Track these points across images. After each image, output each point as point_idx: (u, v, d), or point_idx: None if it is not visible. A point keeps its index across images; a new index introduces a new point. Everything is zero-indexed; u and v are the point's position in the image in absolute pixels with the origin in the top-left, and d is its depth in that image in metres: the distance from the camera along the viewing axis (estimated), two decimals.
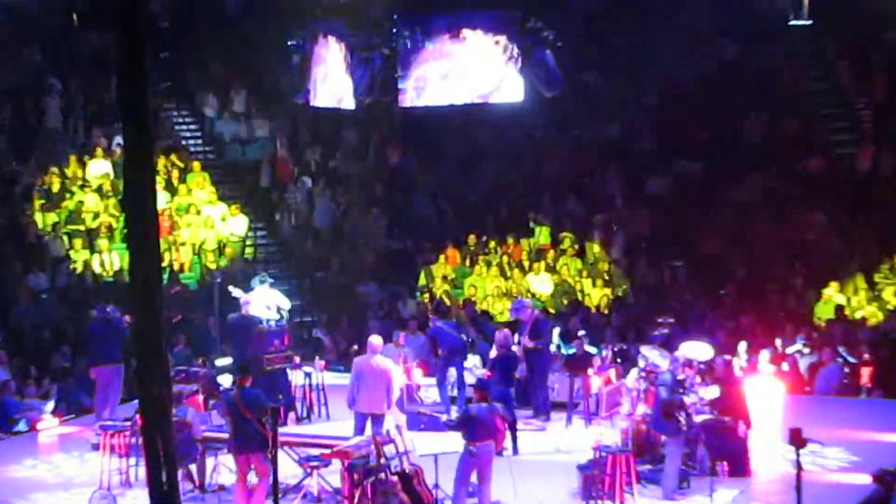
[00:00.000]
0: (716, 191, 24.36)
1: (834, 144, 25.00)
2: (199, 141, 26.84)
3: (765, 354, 18.37)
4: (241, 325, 17.24)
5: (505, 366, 15.84)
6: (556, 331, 18.70)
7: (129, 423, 14.11)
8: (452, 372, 17.22)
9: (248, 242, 24.40)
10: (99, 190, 23.07)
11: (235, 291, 17.89)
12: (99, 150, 23.70)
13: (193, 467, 13.62)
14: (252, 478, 12.62)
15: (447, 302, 22.42)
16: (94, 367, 16.84)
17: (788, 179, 24.15)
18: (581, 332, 18.90)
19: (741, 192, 24.19)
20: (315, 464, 13.16)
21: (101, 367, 16.73)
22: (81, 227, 22.40)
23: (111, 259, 21.76)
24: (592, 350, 18.37)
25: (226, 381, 17.68)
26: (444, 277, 23.49)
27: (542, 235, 24.50)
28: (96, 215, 22.47)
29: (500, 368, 15.83)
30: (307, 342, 21.80)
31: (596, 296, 22.59)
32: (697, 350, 15.47)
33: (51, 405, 17.67)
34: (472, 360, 18.15)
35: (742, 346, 18.71)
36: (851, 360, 19.23)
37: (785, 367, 18.88)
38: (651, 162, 25.50)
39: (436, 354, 17.60)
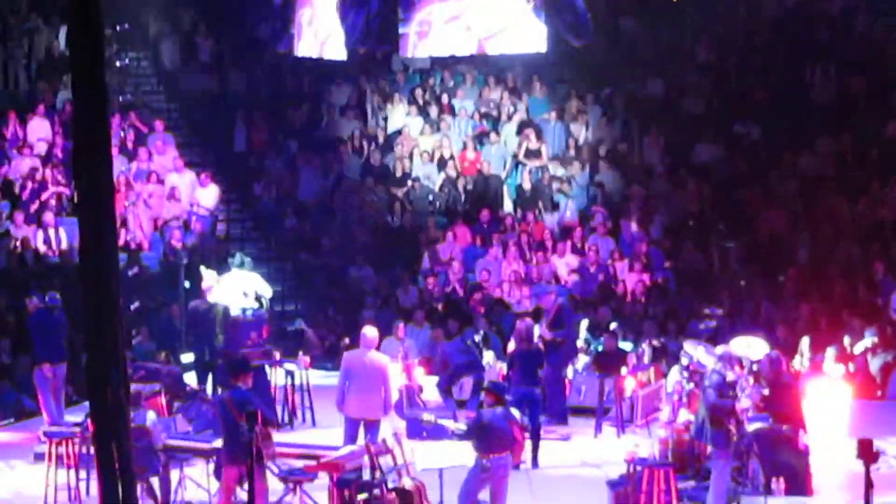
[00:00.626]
0: (776, 159, 24.38)
1: None
2: (162, 97, 26.91)
3: (831, 352, 18.42)
4: (203, 314, 17.34)
5: (526, 361, 15.93)
6: (584, 323, 18.79)
7: (78, 430, 14.19)
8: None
9: (219, 217, 24.47)
10: (48, 155, 23.13)
11: (207, 273, 17.95)
12: (42, 107, 23.80)
13: (155, 481, 13.67)
14: (242, 494, 12.68)
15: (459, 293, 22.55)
16: (38, 365, 16.92)
17: (862, 146, 24.18)
18: (613, 325, 18.98)
19: (806, 161, 24.22)
20: (298, 478, 13.25)
21: (44, 366, 16.82)
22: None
23: (58, 235, 21.84)
24: (626, 346, 18.45)
25: (192, 379, 17.85)
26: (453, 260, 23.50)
27: (569, 210, 24.54)
28: (42, 184, 22.54)
29: (520, 365, 15.93)
30: (289, 335, 21.89)
31: (631, 281, 22.64)
32: (751, 346, 15.52)
33: None
34: (486, 357, 18.23)
35: (804, 343, 18.76)
36: None
37: (852, 367, 18.94)
38: (700, 125, 25.52)
39: (445, 369, 17.77)
